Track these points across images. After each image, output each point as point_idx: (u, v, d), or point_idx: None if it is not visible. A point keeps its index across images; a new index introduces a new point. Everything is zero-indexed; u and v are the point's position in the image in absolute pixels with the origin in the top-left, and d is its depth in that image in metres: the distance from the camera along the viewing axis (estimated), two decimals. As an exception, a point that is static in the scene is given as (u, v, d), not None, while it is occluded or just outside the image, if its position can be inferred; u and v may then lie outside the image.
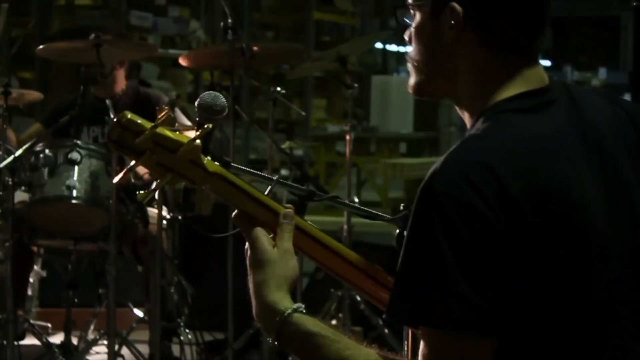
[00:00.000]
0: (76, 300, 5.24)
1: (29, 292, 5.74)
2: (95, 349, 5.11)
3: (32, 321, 5.36)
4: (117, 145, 1.80)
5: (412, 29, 1.87)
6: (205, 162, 1.81)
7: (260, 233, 1.83)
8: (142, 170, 4.72)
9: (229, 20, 4.82)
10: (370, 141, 11.55)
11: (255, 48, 4.95)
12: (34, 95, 5.09)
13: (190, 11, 11.24)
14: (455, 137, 10.71)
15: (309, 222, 1.89)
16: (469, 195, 1.65)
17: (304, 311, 1.77)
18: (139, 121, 1.79)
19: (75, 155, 4.84)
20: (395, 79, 14.09)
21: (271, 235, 1.84)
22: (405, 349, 1.90)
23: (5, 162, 4.64)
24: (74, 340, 5.20)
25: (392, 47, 15.31)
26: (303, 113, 8.17)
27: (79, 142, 4.93)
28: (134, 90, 5.57)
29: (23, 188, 4.82)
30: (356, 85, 5.29)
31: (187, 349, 5.08)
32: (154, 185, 1.85)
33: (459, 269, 1.64)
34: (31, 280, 5.70)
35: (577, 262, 1.72)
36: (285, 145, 5.23)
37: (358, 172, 10.74)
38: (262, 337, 4.77)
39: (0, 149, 4.75)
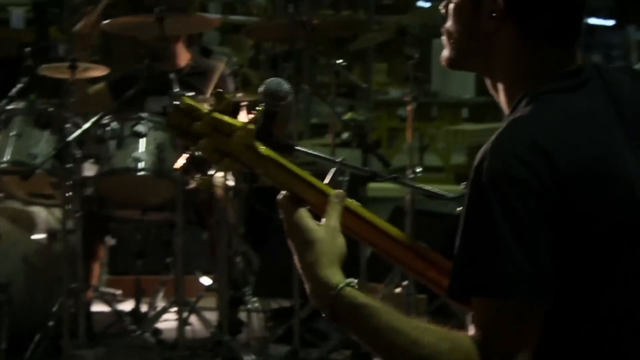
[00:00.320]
0: (145, 268, 5.36)
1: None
2: (163, 316, 5.22)
3: (102, 289, 5.49)
4: (177, 130, 1.86)
5: (452, 5, 1.91)
6: (258, 146, 1.84)
7: (304, 213, 1.84)
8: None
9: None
10: (432, 106, 11.49)
11: (315, 21, 4.99)
12: (100, 69, 5.14)
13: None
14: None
15: (358, 204, 1.90)
16: (522, 174, 1.70)
17: (356, 286, 1.80)
18: (197, 106, 1.85)
19: (141, 128, 4.90)
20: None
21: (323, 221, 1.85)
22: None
23: (73, 135, 4.72)
24: (143, 308, 5.33)
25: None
26: (364, 85, 8.15)
27: (144, 114, 4.97)
28: (196, 62, 5.56)
29: (91, 160, 4.91)
30: (417, 55, 5.29)
31: (254, 316, 5.16)
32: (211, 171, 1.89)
33: (517, 242, 1.69)
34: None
35: (627, 235, 1.77)
36: (347, 116, 5.25)
37: (420, 136, 10.71)
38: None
39: (68, 122, 4.85)
